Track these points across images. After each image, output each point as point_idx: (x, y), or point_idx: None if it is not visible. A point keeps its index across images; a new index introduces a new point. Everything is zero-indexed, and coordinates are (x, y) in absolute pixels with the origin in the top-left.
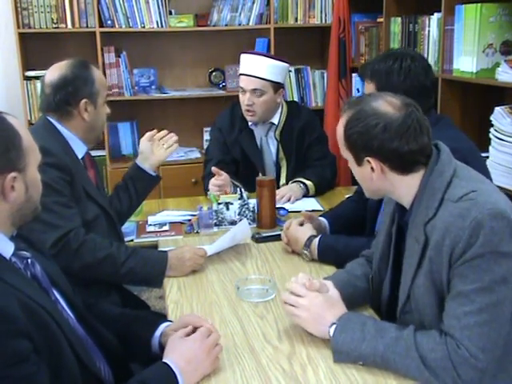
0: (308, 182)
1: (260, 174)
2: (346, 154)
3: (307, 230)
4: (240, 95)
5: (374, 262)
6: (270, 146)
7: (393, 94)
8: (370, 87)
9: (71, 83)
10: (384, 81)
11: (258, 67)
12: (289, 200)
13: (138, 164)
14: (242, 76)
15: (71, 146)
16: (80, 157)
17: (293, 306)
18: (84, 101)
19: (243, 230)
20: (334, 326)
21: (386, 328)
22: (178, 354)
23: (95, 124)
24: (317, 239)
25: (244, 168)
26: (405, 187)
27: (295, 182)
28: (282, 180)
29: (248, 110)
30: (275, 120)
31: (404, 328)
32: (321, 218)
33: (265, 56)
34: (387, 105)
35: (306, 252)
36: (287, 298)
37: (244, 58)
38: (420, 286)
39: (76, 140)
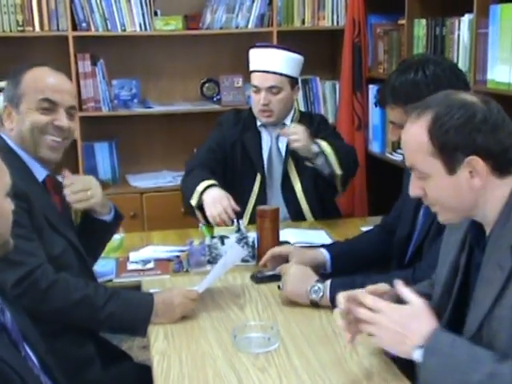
0: (322, 143)
1: (258, 181)
2: (429, 165)
3: (293, 266)
4: (253, 95)
5: (434, 298)
6: (281, 149)
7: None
8: (395, 113)
9: (5, 87)
10: (412, 97)
11: (272, 61)
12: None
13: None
14: (254, 73)
15: (29, 167)
16: (40, 180)
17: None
18: (4, 105)
19: (235, 252)
20: (421, 350)
21: (482, 358)
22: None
23: (22, 133)
24: (327, 284)
25: (242, 169)
26: (496, 197)
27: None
28: (297, 186)
29: (264, 111)
30: (288, 121)
31: (502, 361)
32: (321, 250)
33: (278, 48)
34: (469, 96)
35: (315, 299)
36: (360, 313)
37: (255, 52)
38: (503, 318)
39: (31, 160)
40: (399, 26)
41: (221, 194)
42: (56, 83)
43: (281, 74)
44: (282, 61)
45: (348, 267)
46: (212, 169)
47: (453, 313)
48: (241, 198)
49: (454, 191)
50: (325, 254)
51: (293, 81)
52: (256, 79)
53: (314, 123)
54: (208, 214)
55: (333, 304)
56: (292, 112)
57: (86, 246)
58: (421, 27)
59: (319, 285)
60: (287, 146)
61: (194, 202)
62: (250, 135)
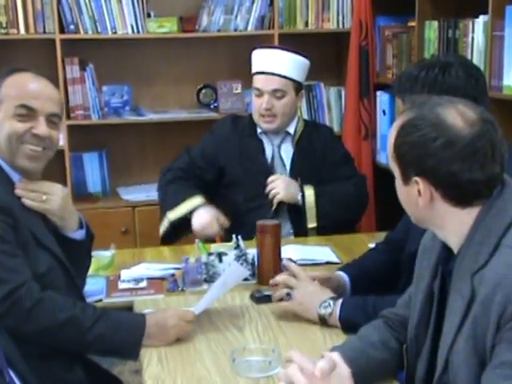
0: (308, 192)
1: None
2: (392, 166)
3: (317, 287)
4: (254, 99)
5: (409, 328)
6: (284, 159)
7: (470, 103)
8: (399, 104)
9: None
10: (407, 95)
11: (277, 63)
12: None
13: None
14: (256, 76)
15: (11, 178)
16: None
17: None
18: None
19: (235, 272)
20: None
21: None
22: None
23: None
24: (339, 302)
25: (245, 180)
26: (456, 224)
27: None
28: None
29: (266, 116)
30: (291, 129)
31: None
32: (339, 273)
33: (284, 50)
34: (457, 115)
35: (324, 315)
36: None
37: (258, 53)
38: (459, 352)
39: (15, 174)
40: (409, 28)
41: (210, 218)
42: (36, 89)
43: (286, 78)
44: (288, 63)
45: (363, 289)
46: (195, 178)
47: (431, 345)
48: (243, 211)
49: (407, 201)
50: (345, 277)
51: (298, 86)
52: (259, 82)
53: (321, 137)
54: (197, 235)
55: (342, 324)
56: (295, 120)
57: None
58: (432, 29)
59: (330, 301)
60: (293, 155)
61: (171, 216)
62: (250, 143)
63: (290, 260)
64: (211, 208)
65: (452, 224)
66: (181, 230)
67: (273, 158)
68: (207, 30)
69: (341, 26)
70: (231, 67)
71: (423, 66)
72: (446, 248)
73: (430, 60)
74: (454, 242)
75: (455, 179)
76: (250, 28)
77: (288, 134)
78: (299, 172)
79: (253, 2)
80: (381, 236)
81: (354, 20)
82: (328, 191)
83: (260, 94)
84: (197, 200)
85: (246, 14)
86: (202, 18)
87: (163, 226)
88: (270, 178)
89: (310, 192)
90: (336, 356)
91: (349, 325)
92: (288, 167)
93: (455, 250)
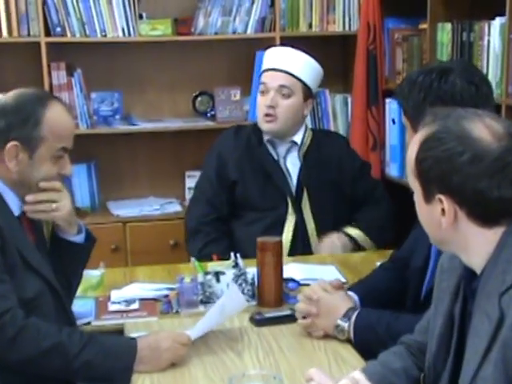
0: (353, 231)
1: (290, 202)
2: (413, 182)
3: (346, 299)
4: (259, 98)
5: (428, 355)
6: (290, 171)
7: (496, 117)
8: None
9: (6, 115)
10: (406, 100)
11: (288, 61)
12: None
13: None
14: (265, 72)
15: (4, 197)
16: (16, 214)
17: None
18: (13, 143)
19: (234, 298)
20: None
21: None
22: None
23: (25, 180)
24: (355, 314)
25: (264, 195)
26: (481, 244)
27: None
28: (307, 213)
29: (267, 115)
30: (297, 138)
31: None
32: (350, 293)
33: (298, 50)
34: (484, 129)
35: (344, 325)
36: None
37: (270, 52)
38: (487, 378)
39: (9, 192)
40: (420, 30)
41: None
42: (72, 127)
43: (295, 77)
44: (300, 64)
45: (374, 306)
46: (219, 218)
47: (453, 372)
48: (270, 229)
49: (429, 221)
50: (354, 297)
51: (307, 91)
52: (266, 77)
53: (335, 146)
54: None
55: (356, 339)
56: (303, 130)
57: (57, 274)
58: (445, 32)
59: (344, 324)
60: (300, 168)
61: None
62: (260, 152)
63: (293, 280)
64: None
65: (476, 245)
66: None
67: (281, 167)
68: (204, 33)
69: (347, 28)
70: (229, 73)
71: (423, 70)
72: (468, 271)
73: (432, 64)
74: (477, 263)
75: (483, 197)
76: (249, 31)
77: (294, 143)
78: (307, 186)
79: (252, 3)
80: (390, 254)
81: (361, 22)
82: (368, 221)
83: (265, 90)
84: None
85: (245, 15)
86: (198, 19)
87: None
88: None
89: (356, 232)
90: (359, 375)
91: (360, 342)
92: (294, 180)
93: (478, 271)
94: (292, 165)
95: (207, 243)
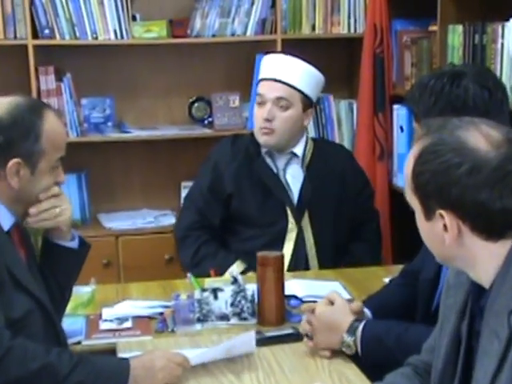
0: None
1: (290, 216)
2: (411, 200)
3: (347, 311)
4: (256, 108)
5: (433, 375)
6: (290, 184)
7: (493, 123)
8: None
9: (4, 131)
10: (416, 104)
11: (285, 70)
12: None
13: (44, 234)
14: (262, 82)
15: None
16: (6, 229)
17: None
18: (15, 161)
19: (246, 342)
20: None
21: None
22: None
23: (25, 195)
24: (361, 325)
25: (263, 208)
26: (488, 259)
27: None
28: (306, 228)
29: (264, 128)
30: (298, 150)
31: None
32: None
33: (297, 58)
34: (481, 137)
35: (349, 341)
36: None
37: (267, 59)
38: None
39: (0, 207)
40: (430, 32)
41: None
42: (65, 134)
43: (293, 87)
44: (298, 73)
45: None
46: (210, 226)
47: None
48: (268, 246)
49: (432, 239)
50: (368, 313)
51: (306, 101)
52: (262, 87)
53: (338, 157)
54: None
55: (364, 353)
56: (303, 141)
57: (49, 283)
58: (456, 34)
59: (350, 338)
60: (304, 181)
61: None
62: (258, 164)
63: (295, 297)
64: None
65: (483, 260)
66: None
67: (281, 180)
68: (200, 35)
69: (352, 30)
70: (228, 77)
71: (435, 73)
72: (476, 286)
73: (444, 68)
74: (486, 279)
75: (485, 209)
76: (249, 33)
77: (294, 155)
78: (309, 199)
79: (252, 3)
80: (398, 270)
81: (367, 24)
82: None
83: (262, 101)
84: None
85: (244, 16)
86: (195, 21)
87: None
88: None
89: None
90: None
91: (368, 355)
92: (295, 194)
93: (486, 286)
94: (292, 177)
95: (199, 246)
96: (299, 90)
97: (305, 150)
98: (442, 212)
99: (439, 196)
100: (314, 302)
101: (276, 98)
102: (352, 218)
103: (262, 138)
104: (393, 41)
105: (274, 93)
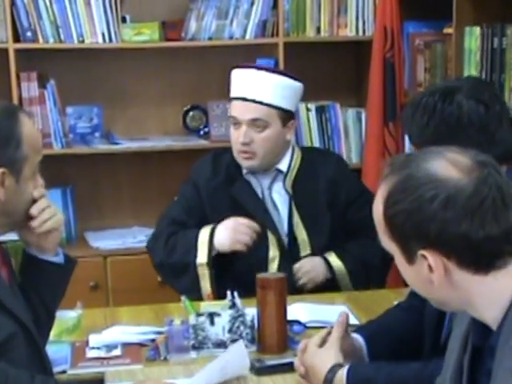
0: (335, 262)
1: (272, 244)
2: (388, 245)
3: (330, 354)
4: (232, 130)
5: None
6: (278, 204)
7: (459, 150)
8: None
9: None
10: (408, 125)
11: (257, 87)
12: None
13: (26, 251)
14: (234, 102)
15: None
16: None
17: None
18: (0, 171)
19: (238, 358)
20: None
21: None
22: None
23: (11, 206)
24: (344, 370)
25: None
26: (486, 294)
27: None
28: (303, 245)
29: (244, 152)
30: (283, 166)
31: None
32: (354, 336)
33: (269, 71)
34: (449, 165)
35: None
36: None
37: (238, 74)
38: None
39: None
40: (445, 35)
41: (232, 225)
42: (40, 135)
43: (268, 105)
44: (271, 87)
45: (383, 353)
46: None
47: None
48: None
49: (419, 283)
50: (360, 341)
51: (285, 115)
52: (235, 109)
53: (330, 169)
54: (228, 242)
55: None
56: (289, 154)
57: (33, 303)
58: (473, 37)
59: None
60: (290, 199)
61: (203, 257)
62: (238, 186)
63: (298, 323)
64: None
65: (481, 296)
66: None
67: (263, 202)
68: (196, 38)
69: (361, 33)
70: (225, 84)
71: (428, 91)
72: (476, 321)
73: (437, 84)
74: (491, 317)
75: (468, 241)
76: (248, 35)
77: (280, 172)
78: (299, 222)
79: (252, 4)
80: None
81: (376, 26)
82: (354, 255)
83: (236, 124)
84: (206, 230)
85: (243, 18)
86: (190, 23)
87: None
88: (296, 267)
89: (337, 263)
90: None
91: None
92: (285, 214)
93: (494, 326)
94: (279, 195)
95: (169, 237)
96: (275, 107)
97: (290, 164)
98: (424, 252)
99: (418, 236)
100: (322, 327)
101: (251, 120)
102: (347, 228)
103: (244, 163)
104: (404, 44)
105: (247, 114)
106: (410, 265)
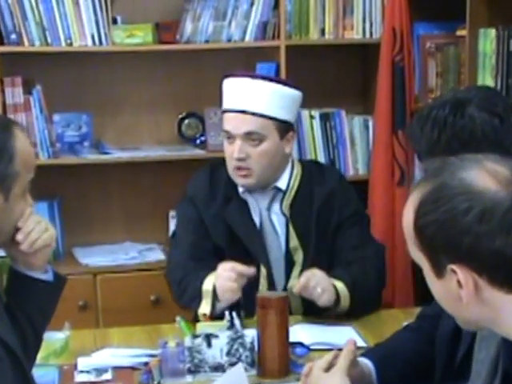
0: (338, 284)
1: (262, 277)
2: (417, 256)
3: (337, 380)
4: (225, 144)
5: None
6: (276, 226)
7: (498, 158)
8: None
9: None
10: (416, 141)
11: (252, 97)
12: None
13: (13, 268)
14: (226, 114)
15: None
16: None
17: None
18: None
19: (237, 383)
20: None
21: None
22: None
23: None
24: None
25: (231, 252)
26: None
27: None
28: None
29: (239, 168)
30: (282, 184)
31: None
32: (362, 361)
33: (264, 79)
34: (487, 176)
35: None
36: None
37: (230, 83)
38: None
39: None
40: (458, 38)
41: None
42: (34, 152)
43: (263, 116)
44: (266, 97)
45: (393, 378)
46: (205, 249)
47: None
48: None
49: (447, 299)
50: (369, 366)
51: (283, 126)
52: (229, 122)
53: (326, 187)
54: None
55: None
56: (288, 171)
57: (19, 324)
58: (488, 40)
59: None
60: (287, 221)
61: (206, 308)
62: (232, 209)
63: (301, 344)
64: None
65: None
66: None
67: (261, 225)
68: (192, 41)
69: (368, 35)
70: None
71: (436, 103)
72: (507, 341)
73: (447, 95)
74: None
75: (502, 258)
76: (248, 38)
77: (279, 190)
78: (297, 246)
79: (252, 4)
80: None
81: (385, 27)
82: (355, 277)
83: (230, 138)
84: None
85: (242, 19)
86: (185, 24)
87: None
88: (303, 280)
89: (340, 285)
90: None
91: None
92: (282, 238)
93: None
94: (278, 216)
95: (185, 274)
96: (271, 118)
97: (289, 183)
98: (454, 267)
99: (449, 249)
100: (327, 350)
101: (246, 134)
102: (332, 253)
103: (239, 181)
104: (415, 47)
105: (241, 128)
106: (439, 279)
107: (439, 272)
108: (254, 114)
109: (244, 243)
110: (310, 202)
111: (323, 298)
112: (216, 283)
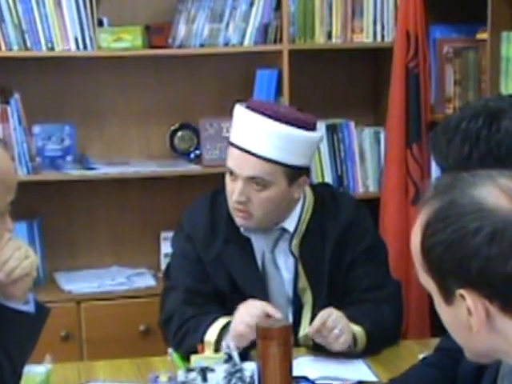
0: (354, 326)
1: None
2: (425, 280)
3: None
4: (227, 179)
5: None
6: (281, 267)
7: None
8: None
9: None
10: (444, 156)
11: (260, 139)
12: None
13: None
14: (231, 148)
15: None
16: None
17: None
18: None
19: None
20: None
21: None
22: None
23: None
24: None
25: (234, 306)
26: None
27: None
28: (304, 328)
29: (239, 210)
30: (290, 225)
31: None
32: None
33: (279, 120)
34: (500, 194)
35: None
36: None
37: (240, 114)
38: None
39: None
40: (478, 41)
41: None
42: (15, 174)
43: (270, 161)
44: (277, 140)
45: None
46: (203, 293)
47: None
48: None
49: (455, 327)
50: None
51: (294, 172)
52: (233, 159)
53: (340, 223)
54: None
55: None
56: (297, 212)
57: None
58: (511, 44)
59: None
60: (296, 266)
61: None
62: (232, 251)
63: (306, 379)
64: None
65: None
66: None
67: (264, 266)
68: (185, 45)
69: (379, 38)
70: (220, 99)
71: (466, 113)
72: None
73: (476, 105)
74: None
75: None
76: (247, 42)
77: (285, 231)
78: (306, 288)
79: (251, 5)
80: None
81: (398, 31)
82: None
83: (233, 175)
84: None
85: (241, 21)
86: (178, 27)
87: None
88: (318, 321)
89: (357, 329)
90: None
91: None
92: (290, 279)
93: None
94: (283, 256)
95: (184, 322)
96: (280, 163)
97: (298, 225)
98: (463, 292)
99: (457, 272)
100: None
101: (249, 178)
102: (354, 287)
103: (238, 221)
104: (430, 52)
105: (244, 170)
106: (448, 305)
107: (448, 298)
108: (259, 157)
109: (244, 289)
110: (322, 238)
111: (340, 340)
112: (233, 322)
